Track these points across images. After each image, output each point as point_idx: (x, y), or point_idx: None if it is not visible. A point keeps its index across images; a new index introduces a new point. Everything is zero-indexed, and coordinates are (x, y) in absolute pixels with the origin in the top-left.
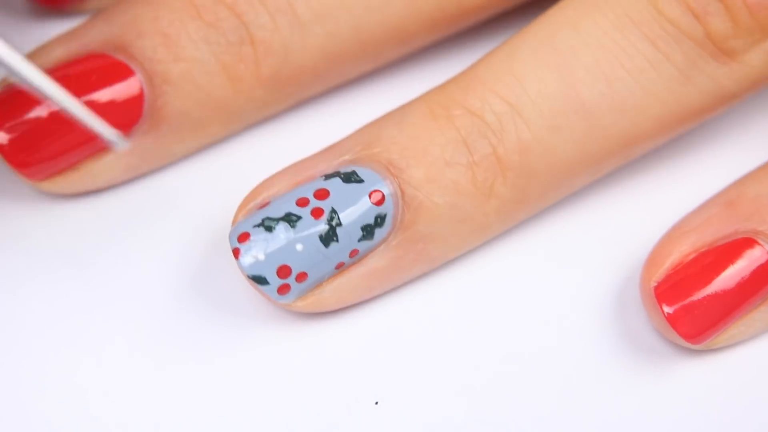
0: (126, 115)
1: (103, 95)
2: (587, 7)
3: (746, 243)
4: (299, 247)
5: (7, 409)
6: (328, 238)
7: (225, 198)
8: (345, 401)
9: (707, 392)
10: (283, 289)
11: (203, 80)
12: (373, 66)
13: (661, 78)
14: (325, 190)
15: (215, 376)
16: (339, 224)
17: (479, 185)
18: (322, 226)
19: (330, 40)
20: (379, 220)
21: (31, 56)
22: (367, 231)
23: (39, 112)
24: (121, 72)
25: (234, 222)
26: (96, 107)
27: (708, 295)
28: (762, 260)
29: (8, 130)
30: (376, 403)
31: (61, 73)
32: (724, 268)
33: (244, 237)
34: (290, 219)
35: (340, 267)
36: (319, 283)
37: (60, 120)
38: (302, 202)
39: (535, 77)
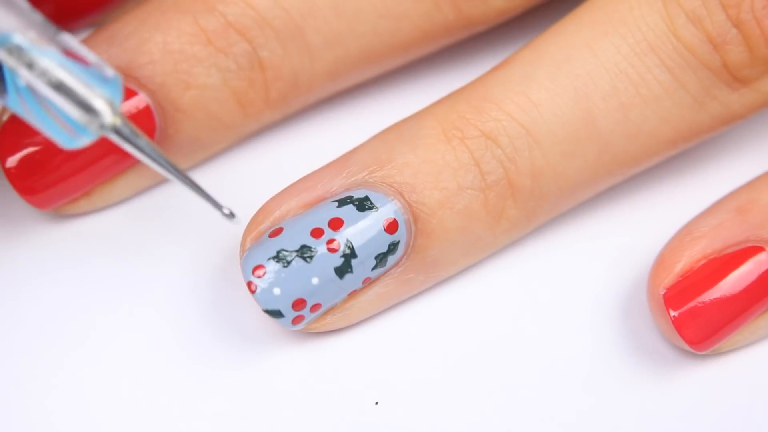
0: None
1: None
2: (605, 29)
3: (756, 251)
4: (315, 281)
5: None
6: (343, 270)
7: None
8: (345, 401)
9: (714, 397)
10: (297, 320)
11: (214, 107)
12: (377, 75)
13: (675, 106)
14: (339, 219)
15: (215, 376)
16: (354, 256)
17: (490, 209)
18: (338, 260)
19: (339, 65)
20: (393, 247)
21: None
22: (381, 259)
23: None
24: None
25: (244, 244)
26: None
27: (715, 302)
28: None
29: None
30: (376, 403)
31: None
32: (733, 275)
33: (258, 270)
34: (305, 254)
35: (353, 294)
36: (330, 309)
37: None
38: (317, 233)
39: (551, 102)
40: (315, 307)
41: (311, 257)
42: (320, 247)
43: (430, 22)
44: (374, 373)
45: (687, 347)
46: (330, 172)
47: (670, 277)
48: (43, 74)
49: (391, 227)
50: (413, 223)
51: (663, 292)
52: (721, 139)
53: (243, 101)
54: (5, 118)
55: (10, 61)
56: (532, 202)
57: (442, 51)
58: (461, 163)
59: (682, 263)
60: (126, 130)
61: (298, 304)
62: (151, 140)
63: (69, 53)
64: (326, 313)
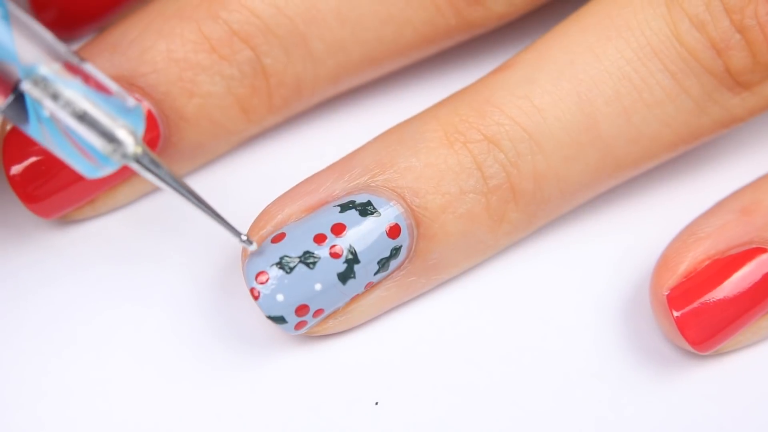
0: None
1: None
2: (609, 33)
3: (760, 252)
4: (318, 287)
5: None
6: (346, 275)
7: (232, 207)
8: (345, 401)
9: (716, 398)
10: (300, 326)
11: (217, 114)
12: (378, 77)
13: (678, 110)
14: (341, 224)
15: (217, 378)
16: (357, 262)
17: (492, 212)
18: (341, 265)
19: (341, 70)
20: (395, 251)
21: None
22: (383, 263)
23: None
24: None
25: (246, 249)
26: None
27: (718, 303)
28: None
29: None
30: (376, 403)
31: None
32: (736, 276)
33: (261, 276)
34: (308, 260)
35: (355, 298)
36: (332, 313)
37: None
38: (320, 239)
39: (554, 106)
40: (318, 312)
41: (314, 263)
42: (323, 253)
43: (432, 26)
44: (374, 373)
45: (689, 348)
46: (332, 175)
47: (673, 278)
48: (68, 105)
49: (394, 232)
50: (415, 227)
51: (667, 293)
52: (723, 139)
53: (246, 108)
54: (9, 127)
55: (35, 93)
56: (534, 205)
57: (442, 52)
58: (463, 167)
59: (685, 264)
60: (147, 160)
61: (301, 309)
62: (171, 170)
63: (92, 82)
64: (328, 317)
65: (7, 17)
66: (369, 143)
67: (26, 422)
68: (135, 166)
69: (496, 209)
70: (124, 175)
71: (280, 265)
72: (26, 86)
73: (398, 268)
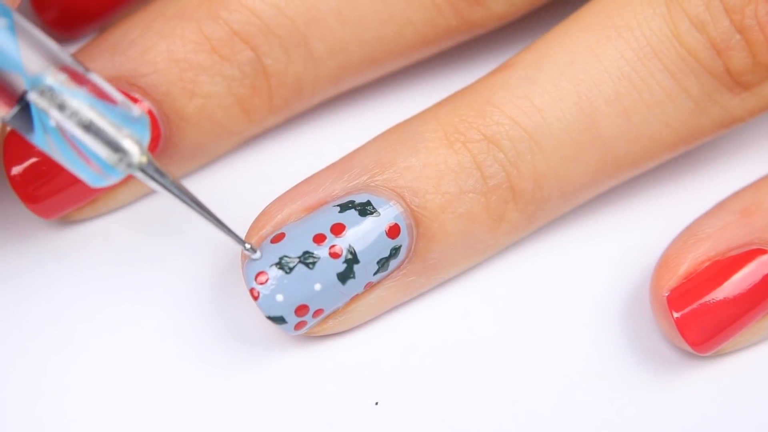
0: None
1: None
2: (609, 33)
3: (760, 254)
4: (317, 287)
5: None
6: (346, 275)
7: (232, 207)
8: (345, 401)
9: (715, 399)
10: (300, 326)
11: (218, 114)
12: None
13: (677, 110)
14: (341, 224)
15: (217, 378)
16: (356, 262)
17: (492, 212)
18: (340, 265)
19: (342, 71)
20: (394, 251)
21: None
22: (383, 263)
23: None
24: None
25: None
26: None
27: (718, 304)
28: None
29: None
30: (376, 403)
31: None
32: (736, 277)
33: (261, 276)
34: (308, 260)
35: (354, 298)
36: (332, 313)
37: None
38: (319, 239)
39: (554, 106)
40: (317, 312)
41: (314, 263)
42: (322, 253)
43: (432, 27)
44: (374, 373)
45: (689, 349)
46: (331, 175)
47: (673, 279)
48: (74, 115)
49: (393, 232)
50: (415, 227)
51: (667, 294)
52: (723, 140)
53: (247, 108)
54: (9, 128)
55: (41, 103)
56: (534, 205)
57: (443, 52)
58: (463, 167)
59: (686, 265)
60: (152, 169)
61: (301, 310)
62: (175, 179)
63: (97, 92)
64: (328, 317)
65: (13, 28)
66: (369, 143)
67: (26, 422)
68: (140, 176)
69: (495, 209)
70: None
71: (280, 265)
72: (33, 96)
73: (398, 268)
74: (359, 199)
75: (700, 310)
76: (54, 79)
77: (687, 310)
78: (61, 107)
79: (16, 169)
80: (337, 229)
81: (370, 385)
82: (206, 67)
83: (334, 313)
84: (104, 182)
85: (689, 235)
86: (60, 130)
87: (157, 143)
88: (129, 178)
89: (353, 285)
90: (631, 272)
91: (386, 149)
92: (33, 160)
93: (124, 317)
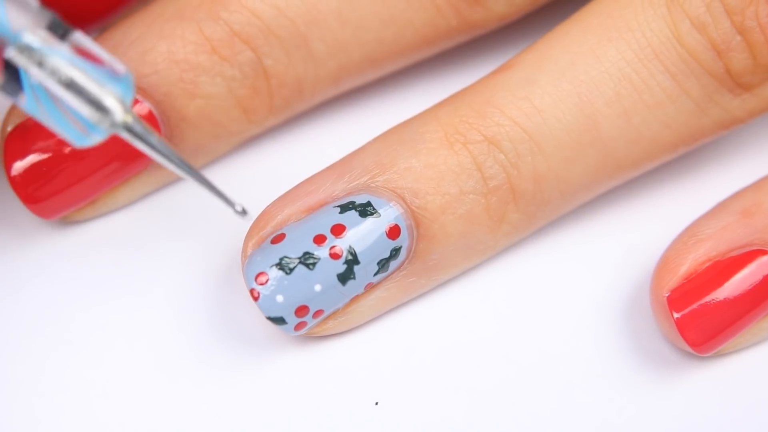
0: (141, 152)
1: None
2: (610, 34)
3: (761, 254)
4: (318, 287)
5: None
6: (346, 276)
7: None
8: (345, 402)
9: (716, 399)
10: (300, 326)
11: (219, 115)
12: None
13: (678, 111)
14: (341, 225)
15: (216, 378)
16: (356, 263)
17: (492, 213)
18: (340, 266)
19: (342, 71)
20: (395, 252)
21: None
22: (383, 264)
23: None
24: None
25: (245, 249)
26: (110, 144)
27: (719, 304)
28: None
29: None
30: (376, 403)
31: None
32: (737, 278)
33: (261, 277)
34: (308, 261)
35: (354, 299)
36: (332, 314)
37: (74, 151)
38: (319, 240)
39: (554, 107)
40: (317, 313)
41: (314, 264)
42: (323, 254)
43: (432, 27)
44: (374, 373)
45: (689, 349)
46: (332, 175)
47: (674, 280)
48: (54, 73)
49: (393, 233)
50: (415, 228)
51: (667, 295)
52: (724, 140)
53: (247, 109)
54: (9, 128)
55: (20, 60)
56: (534, 206)
57: (443, 52)
58: (463, 168)
59: (686, 266)
60: (137, 128)
61: (301, 310)
62: (162, 137)
63: (81, 51)
64: (328, 317)
65: None
66: (369, 144)
67: (26, 422)
68: (125, 135)
69: (496, 210)
70: (125, 176)
71: (280, 266)
72: (11, 53)
73: (398, 268)
74: (360, 199)
75: (700, 311)
76: (33, 36)
77: (687, 310)
78: (41, 64)
79: (17, 170)
80: (338, 229)
81: (370, 386)
82: (207, 67)
83: (334, 313)
84: (88, 141)
85: (690, 235)
86: (45, 89)
87: None
88: (130, 178)
89: (353, 286)
90: (632, 273)
91: (387, 150)
92: (33, 160)
93: (124, 318)
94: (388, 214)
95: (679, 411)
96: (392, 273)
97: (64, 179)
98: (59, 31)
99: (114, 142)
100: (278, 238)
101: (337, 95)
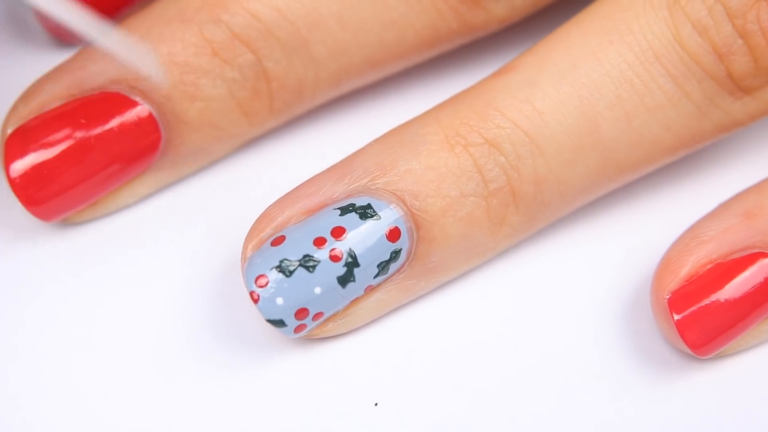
0: (141, 154)
1: (120, 134)
2: (611, 37)
3: (762, 257)
4: (318, 290)
5: None
6: (346, 278)
7: (232, 209)
8: (345, 404)
9: (716, 401)
10: (299, 329)
11: (219, 118)
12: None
13: (679, 114)
14: (341, 227)
15: (216, 379)
16: (357, 265)
17: (492, 215)
18: (340, 269)
19: (342, 74)
20: (395, 254)
21: (39, 86)
22: (383, 267)
23: (53, 148)
24: (133, 109)
25: (245, 251)
26: (111, 146)
27: (720, 306)
28: None
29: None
30: (376, 404)
31: (72, 106)
32: (738, 280)
33: (261, 279)
34: (308, 264)
35: (354, 301)
36: (332, 316)
37: (74, 153)
38: (319, 242)
39: (555, 110)
40: (317, 315)
41: (314, 267)
42: (323, 256)
43: (433, 30)
44: (374, 375)
45: (690, 351)
46: (332, 177)
47: (675, 281)
48: None
49: (394, 235)
50: (415, 230)
51: (668, 296)
52: (726, 142)
53: (248, 111)
54: (10, 130)
55: None
56: (534, 208)
57: (444, 54)
58: (464, 171)
59: (687, 267)
60: None
61: (301, 313)
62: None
63: None
64: (328, 320)
65: None
66: (369, 145)
67: (26, 422)
68: None
69: (496, 212)
70: (125, 178)
71: (280, 268)
72: None
73: (398, 271)
74: (360, 202)
75: (701, 313)
76: None
77: (688, 312)
78: None
79: (17, 172)
80: (338, 232)
81: (370, 387)
82: (207, 70)
83: (334, 316)
84: None
85: (691, 237)
86: None
87: (157, 146)
88: (130, 181)
89: (353, 288)
90: (632, 274)
91: (387, 152)
92: (33, 162)
93: (123, 319)
94: (389, 216)
95: (679, 412)
96: (392, 275)
97: (64, 181)
98: None
99: (114, 143)
100: (278, 241)
101: (337, 97)
